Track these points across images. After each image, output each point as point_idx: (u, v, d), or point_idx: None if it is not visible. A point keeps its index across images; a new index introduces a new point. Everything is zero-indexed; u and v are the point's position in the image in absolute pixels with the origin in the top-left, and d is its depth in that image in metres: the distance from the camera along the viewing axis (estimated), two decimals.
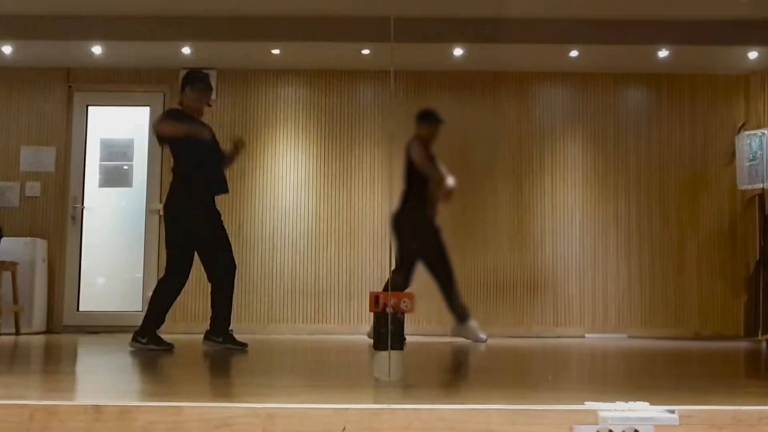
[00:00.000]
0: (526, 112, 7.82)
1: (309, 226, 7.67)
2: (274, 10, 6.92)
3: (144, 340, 4.72)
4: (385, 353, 2.73)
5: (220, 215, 4.97)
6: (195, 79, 4.98)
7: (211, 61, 7.64)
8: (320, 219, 7.68)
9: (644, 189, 7.75)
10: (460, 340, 6.01)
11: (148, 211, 7.65)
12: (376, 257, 7.56)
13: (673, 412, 1.93)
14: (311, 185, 7.72)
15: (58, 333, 7.31)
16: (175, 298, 4.84)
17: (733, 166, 7.55)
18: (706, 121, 7.82)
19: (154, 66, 7.69)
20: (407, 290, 5.18)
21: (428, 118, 5.96)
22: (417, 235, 5.83)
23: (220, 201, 7.68)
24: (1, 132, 7.73)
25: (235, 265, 4.98)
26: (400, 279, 5.66)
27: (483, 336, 5.95)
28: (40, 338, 6.41)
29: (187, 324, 7.37)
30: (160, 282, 4.89)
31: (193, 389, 2.74)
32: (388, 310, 2.71)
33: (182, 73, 7.63)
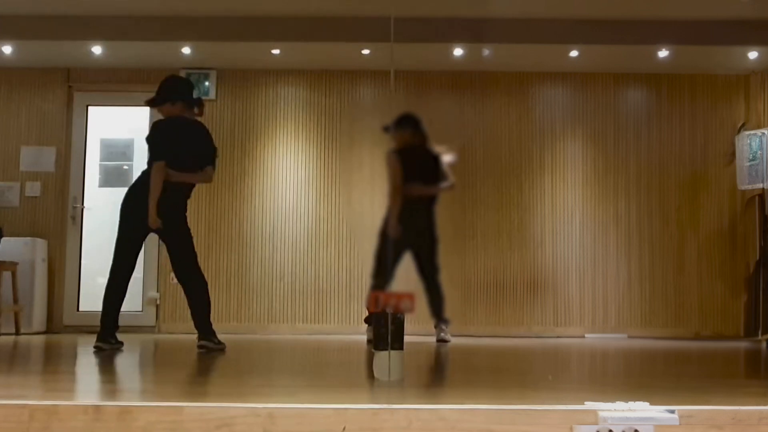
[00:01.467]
0: (526, 112, 7.82)
1: (309, 226, 7.67)
2: (274, 10, 6.92)
3: None
4: (385, 353, 2.73)
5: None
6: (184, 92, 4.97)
7: (211, 61, 7.64)
8: (320, 219, 7.68)
9: (644, 189, 7.75)
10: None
11: None
12: None
13: (673, 412, 1.93)
14: (311, 185, 7.72)
15: (58, 333, 7.30)
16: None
17: (733, 166, 7.55)
18: (706, 121, 7.81)
19: (154, 66, 7.67)
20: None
21: (410, 124, 5.88)
22: (418, 234, 5.82)
23: (222, 200, 7.71)
24: (1, 132, 7.73)
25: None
26: (381, 281, 5.65)
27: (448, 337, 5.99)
28: (40, 338, 6.41)
29: (186, 324, 7.37)
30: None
31: (193, 389, 2.74)
32: (388, 310, 2.71)
33: (183, 73, 7.71)
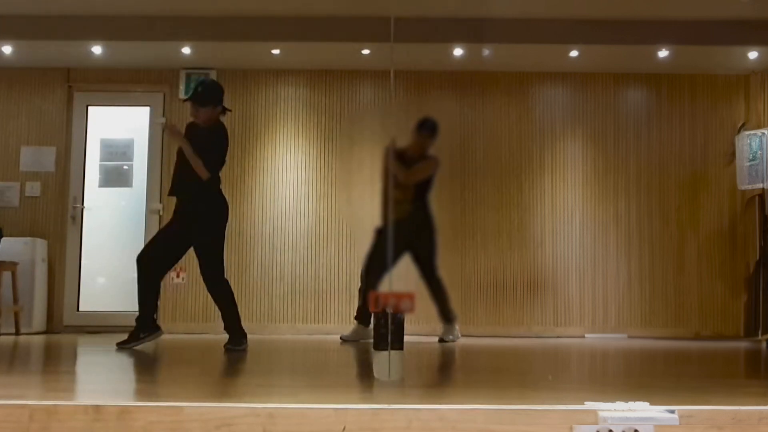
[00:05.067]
0: (526, 112, 7.82)
1: (309, 226, 7.66)
2: (274, 10, 6.92)
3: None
4: (385, 353, 2.73)
5: (186, 217, 4.94)
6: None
7: (211, 61, 7.64)
8: (320, 219, 7.67)
9: (644, 189, 7.75)
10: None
11: (148, 211, 7.65)
12: None
13: (673, 412, 1.93)
14: (311, 185, 7.72)
15: (58, 333, 7.30)
16: None
17: (733, 166, 7.55)
18: (706, 121, 7.81)
19: (154, 66, 7.68)
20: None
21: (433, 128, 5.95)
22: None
23: None
24: (1, 132, 7.73)
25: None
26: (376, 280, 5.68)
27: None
28: (40, 338, 6.41)
29: (187, 324, 7.38)
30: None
31: (193, 389, 2.74)
32: (388, 310, 2.71)
33: (183, 73, 7.72)
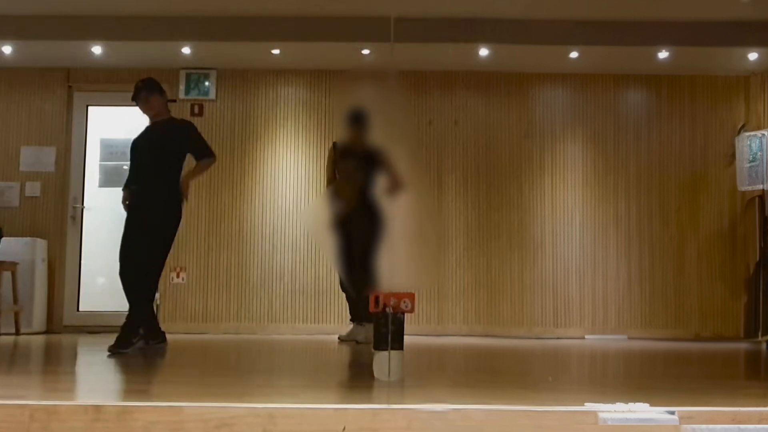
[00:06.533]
0: (526, 112, 7.82)
1: None
2: (274, 10, 6.92)
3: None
4: (385, 353, 2.73)
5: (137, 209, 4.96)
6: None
7: (211, 61, 7.64)
8: None
9: (644, 190, 7.74)
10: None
11: None
12: None
13: (673, 413, 1.93)
14: (311, 185, 7.72)
15: (58, 333, 7.30)
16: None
17: (733, 167, 7.54)
18: (706, 122, 7.81)
19: (154, 66, 7.66)
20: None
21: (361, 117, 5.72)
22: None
23: (222, 200, 7.71)
24: (1, 132, 7.73)
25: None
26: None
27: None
28: (40, 338, 6.41)
29: (186, 324, 7.38)
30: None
31: (193, 389, 2.74)
32: (388, 310, 2.71)
33: (183, 73, 7.73)
